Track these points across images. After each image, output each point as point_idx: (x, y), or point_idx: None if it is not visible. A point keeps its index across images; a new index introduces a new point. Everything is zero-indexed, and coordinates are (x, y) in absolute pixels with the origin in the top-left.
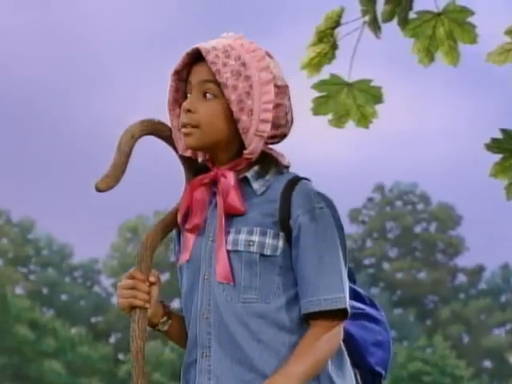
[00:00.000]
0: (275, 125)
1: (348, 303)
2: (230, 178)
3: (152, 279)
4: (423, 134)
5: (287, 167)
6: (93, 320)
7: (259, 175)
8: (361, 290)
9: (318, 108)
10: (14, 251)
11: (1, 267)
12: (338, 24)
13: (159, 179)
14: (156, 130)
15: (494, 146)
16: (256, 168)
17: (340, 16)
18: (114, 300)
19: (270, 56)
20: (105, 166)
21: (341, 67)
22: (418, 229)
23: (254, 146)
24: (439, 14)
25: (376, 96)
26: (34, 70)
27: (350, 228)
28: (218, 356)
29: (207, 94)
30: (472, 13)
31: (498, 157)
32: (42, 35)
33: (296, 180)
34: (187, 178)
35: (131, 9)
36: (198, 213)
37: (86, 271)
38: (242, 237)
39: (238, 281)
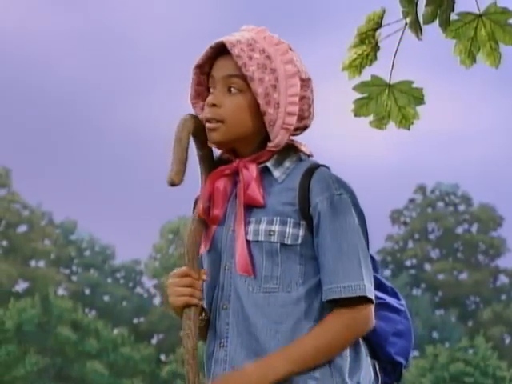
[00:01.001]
0: (299, 117)
1: (369, 291)
2: (252, 170)
3: (204, 277)
4: (464, 135)
5: (309, 156)
6: (135, 321)
7: (279, 163)
8: (383, 280)
9: (359, 109)
10: (57, 252)
11: (43, 268)
12: (379, 25)
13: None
14: (201, 126)
15: None
16: (276, 156)
17: (381, 17)
18: (156, 301)
19: (291, 49)
20: (145, 167)
21: (382, 69)
22: (459, 230)
23: (279, 138)
24: (480, 16)
25: (417, 97)
26: (78, 71)
27: (391, 229)
28: (234, 346)
29: (232, 89)
30: None
31: None
32: (87, 36)
33: (314, 167)
34: (206, 170)
35: (181, 11)
36: (219, 203)
37: (127, 272)
38: (263, 227)
39: (259, 271)
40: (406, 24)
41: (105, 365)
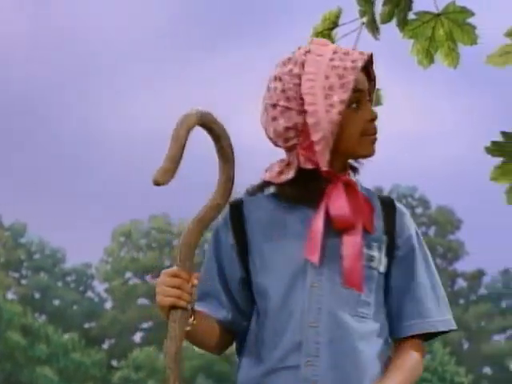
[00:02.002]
0: None
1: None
2: (342, 190)
3: (195, 281)
4: (422, 137)
5: None
6: (86, 325)
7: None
8: None
9: None
10: (6, 256)
11: None
12: (335, 25)
13: (146, 188)
14: (208, 121)
15: (494, 149)
16: (352, 174)
17: (338, 17)
18: (108, 305)
19: None
20: (97, 168)
21: None
22: None
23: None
24: (439, 15)
25: (376, 98)
26: (30, 71)
27: None
28: (325, 366)
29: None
30: (472, 13)
31: (498, 160)
32: (39, 35)
33: (389, 197)
34: (227, 162)
35: (132, 9)
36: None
37: (78, 276)
38: (363, 250)
39: (358, 294)
40: (363, 23)
41: (55, 370)
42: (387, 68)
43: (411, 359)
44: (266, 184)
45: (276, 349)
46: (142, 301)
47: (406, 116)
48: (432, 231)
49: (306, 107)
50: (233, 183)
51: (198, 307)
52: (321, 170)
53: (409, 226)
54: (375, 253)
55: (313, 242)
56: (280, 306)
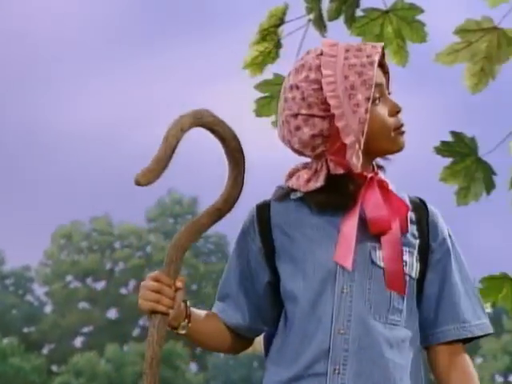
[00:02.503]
0: None
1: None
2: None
3: (179, 285)
4: None
5: None
6: (25, 330)
7: None
8: None
9: (261, 109)
10: None
11: None
12: (282, 22)
13: (97, 183)
14: (207, 122)
15: (443, 149)
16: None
17: (284, 13)
18: (48, 309)
19: None
20: (37, 167)
21: (285, 67)
22: None
23: None
24: (387, 12)
25: None
26: None
27: None
28: (352, 374)
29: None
30: (421, 10)
31: (447, 160)
32: None
33: (420, 198)
34: (237, 164)
35: (72, 4)
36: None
37: (17, 279)
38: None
39: (389, 301)
40: (310, 20)
41: None
42: None
43: (471, 367)
44: (292, 190)
45: (303, 355)
46: (83, 305)
47: None
48: None
49: (333, 110)
50: (241, 189)
51: (215, 308)
52: (352, 173)
53: (442, 228)
54: (406, 258)
55: (345, 245)
56: (308, 312)
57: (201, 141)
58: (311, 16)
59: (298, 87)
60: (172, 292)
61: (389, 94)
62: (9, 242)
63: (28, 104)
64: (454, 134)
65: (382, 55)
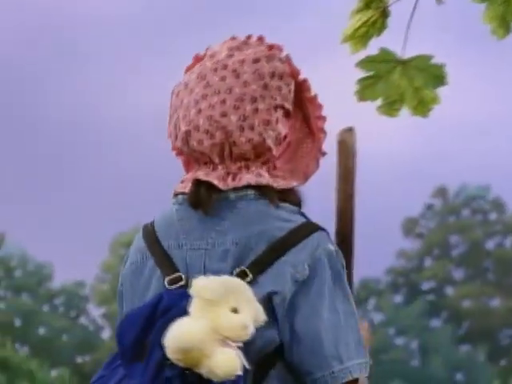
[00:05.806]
0: None
1: None
2: None
3: None
4: (497, 123)
5: None
6: (78, 360)
7: None
8: None
9: (365, 92)
10: None
11: None
12: None
13: (155, 185)
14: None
15: None
16: None
17: None
18: (105, 334)
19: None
20: (90, 168)
21: (393, 40)
22: (490, 244)
23: None
24: None
25: (438, 76)
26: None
27: (403, 243)
28: None
29: None
30: None
31: None
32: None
33: None
34: None
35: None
36: None
37: (69, 298)
38: None
39: None
40: None
41: None
42: (454, 39)
43: None
44: None
45: None
46: None
47: (479, 98)
48: (509, 242)
49: None
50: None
51: None
52: None
53: None
54: None
55: None
56: None
57: None
58: None
59: (281, 78)
60: None
61: None
62: (58, 254)
63: (78, 100)
64: None
65: None
